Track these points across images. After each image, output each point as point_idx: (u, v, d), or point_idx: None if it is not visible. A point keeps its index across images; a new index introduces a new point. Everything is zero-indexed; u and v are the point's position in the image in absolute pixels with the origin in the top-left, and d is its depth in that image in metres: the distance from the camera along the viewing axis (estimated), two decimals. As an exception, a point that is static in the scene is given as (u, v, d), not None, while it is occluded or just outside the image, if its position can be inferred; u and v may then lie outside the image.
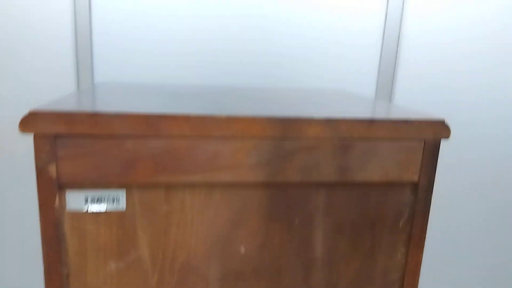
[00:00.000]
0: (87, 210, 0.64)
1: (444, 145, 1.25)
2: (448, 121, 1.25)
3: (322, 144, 0.67)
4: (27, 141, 1.06)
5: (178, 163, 0.64)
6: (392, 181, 0.70)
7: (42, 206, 0.61)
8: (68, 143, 0.61)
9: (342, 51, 1.16)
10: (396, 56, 1.17)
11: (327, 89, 1.13)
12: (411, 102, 1.21)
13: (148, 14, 1.08)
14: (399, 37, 1.16)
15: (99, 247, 0.65)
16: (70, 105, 0.65)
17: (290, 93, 1.00)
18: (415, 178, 0.70)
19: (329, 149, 0.67)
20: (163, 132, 0.62)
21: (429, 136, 0.68)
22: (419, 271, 0.75)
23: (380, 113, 0.72)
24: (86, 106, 0.65)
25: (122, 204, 0.64)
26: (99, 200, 0.64)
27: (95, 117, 0.60)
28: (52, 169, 0.61)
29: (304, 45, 1.14)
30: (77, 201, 0.63)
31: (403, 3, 1.15)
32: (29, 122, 0.59)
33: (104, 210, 0.64)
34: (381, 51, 1.17)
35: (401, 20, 1.16)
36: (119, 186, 0.64)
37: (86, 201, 0.63)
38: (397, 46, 1.16)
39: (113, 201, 0.64)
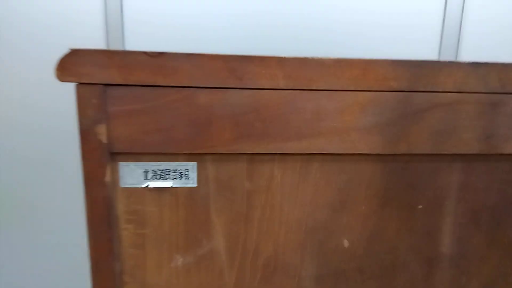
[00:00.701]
0: (147, 187, 0.48)
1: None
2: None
3: (462, 99, 0.48)
4: (69, 92, 0.89)
5: (266, 126, 0.47)
6: (553, 153, 0.51)
7: (89, 181, 0.46)
8: (123, 95, 0.44)
9: (403, 20, 0.95)
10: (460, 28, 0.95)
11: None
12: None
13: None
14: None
15: (162, 235, 0.50)
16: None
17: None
18: None
19: (472, 107, 0.49)
20: (249, 82, 0.45)
21: None
22: None
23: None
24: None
25: (192, 180, 0.48)
26: (162, 175, 0.47)
27: (159, 59, 0.43)
28: (101, 132, 0.45)
29: (366, 13, 0.94)
30: (134, 175, 0.47)
31: None
32: (70, 65, 0.42)
33: (170, 187, 0.48)
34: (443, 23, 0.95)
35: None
36: (189, 156, 0.47)
37: (146, 175, 0.47)
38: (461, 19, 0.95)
39: (181, 175, 0.48)
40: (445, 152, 0.50)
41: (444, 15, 0.97)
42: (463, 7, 0.95)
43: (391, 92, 0.47)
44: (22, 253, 0.94)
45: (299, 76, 0.46)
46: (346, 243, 0.52)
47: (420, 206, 0.52)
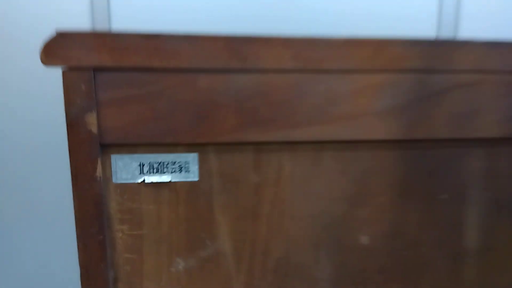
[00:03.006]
0: (143, 182, 0.43)
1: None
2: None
3: (484, 80, 0.45)
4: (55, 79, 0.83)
5: (273, 112, 0.43)
6: None
7: (77, 178, 0.41)
8: (115, 81, 0.40)
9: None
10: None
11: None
12: None
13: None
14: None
15: (160, 236, 0.45)
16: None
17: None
18: None
19: (493, 88, 0.45)
20: (253, 63, 0.41)
21: None
22: None
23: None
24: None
25: (193, 173, 0.44)
26: (160, 168, 0.43)
27: (155, 40, 0.39)
28: (91, 121, 0.40)
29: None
30: (128, 169, 0.43)
31: None
32: (56, 48, 0.38)
33: (168, 181, 0.43)
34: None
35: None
36: (189, 147, 0.43)
37: (142, 169, 0.43)
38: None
39: (181, 169, 0.43)
40: (467, 137, 0.46)
41: None
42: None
43: (406, 74, 0.44)
44: (7, 253, 0.88)
45: (308, 57, 0.42)
46: (365, 240, 0.48)
47: (444, 196, 0.48)
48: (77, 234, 0.42)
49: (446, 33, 0.93)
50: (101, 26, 0.80)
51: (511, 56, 0.45)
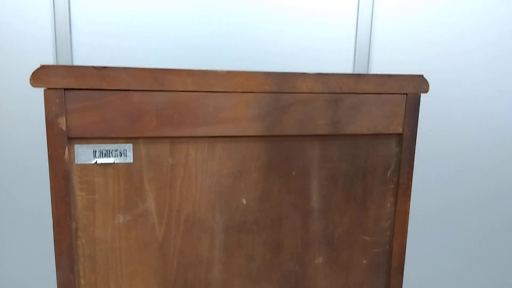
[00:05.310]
0: (96, 163, 0.66)
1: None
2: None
3: (315, 98, 0.72)
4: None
5: (181, 117, 0.67)
6: (380, 133, 0.76)
7: (52, 159, 0.64)
8: (77, 96, 0.63)
9: (319, 35, 1.23)
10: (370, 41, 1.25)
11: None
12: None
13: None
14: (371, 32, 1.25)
15: (107, 200, 0.68)
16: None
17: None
18: (400, 129, 0.77)
19: (321, 103, 0.72)
20: (167, 86, 0.66)
21: (410, 89, 0.75)
22: (408, 218, 0.80)
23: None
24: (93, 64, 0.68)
25: (129, 157, 0.67)
26: (107, 154, 0.66)
27: (103, 71, 0.63)
28: (62, 122, 0.63)
29: (285, 32, 1.21)
30: (85, 154, 0.66)
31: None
32: (40, 75, 0.61)
33: (113, 162, 0.67)
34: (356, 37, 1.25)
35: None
36: (126, 139, 0.67)
37: (94, 154, 0.66)
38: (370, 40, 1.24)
39: (121, 154, 0.67)
40: (307, 133, 0.73)
41: (356, 37, 1.24)
42: (370, 31, 1.23)
43: (266, 93, 0.70)
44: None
45: (203, 82, 0.67)
46: (244, 202, 0.73)
47: (294, 173, 0.74)
48: (51, 197, 0.64)
49: (360, 65, 1.23)
50: (64, 58, 1.03)
51: (331, 83, 0.72)
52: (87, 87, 0.63)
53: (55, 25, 1.03)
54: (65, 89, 0.63)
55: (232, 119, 0.69)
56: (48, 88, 0.62)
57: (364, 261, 0.81)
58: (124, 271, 0.70)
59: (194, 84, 0.67)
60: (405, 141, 0.77)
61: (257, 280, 0.76)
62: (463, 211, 1.43)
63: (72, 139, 0.65)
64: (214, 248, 0.73)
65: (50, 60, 1.04)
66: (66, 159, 0.64)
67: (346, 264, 0.80)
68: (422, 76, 0.75)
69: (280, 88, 0.70)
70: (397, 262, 0.82)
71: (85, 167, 0.66)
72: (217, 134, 0.69)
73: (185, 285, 0.73)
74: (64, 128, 0.63)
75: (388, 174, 0.79)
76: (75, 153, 0.65)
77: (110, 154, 0.66)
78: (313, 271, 0.79)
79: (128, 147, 0.67)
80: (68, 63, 1.09)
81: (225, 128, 0.69)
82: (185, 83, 0.66)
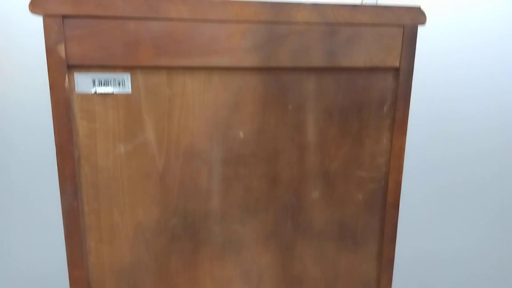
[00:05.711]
0: (95, 92, 0.68)
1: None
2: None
3: (310, 29, 0.72)
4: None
5: (177, 46, 0.68)
6: (376, 66, 0.76)
7: (53, 87, 0.65)
8: (75, 24, 0.65)
9: None
10: None
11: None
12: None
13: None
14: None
15: (108, 129, 0.70)
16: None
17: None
18: (397, 63, 0.77)
19: (317, 34, 0.73)
20: (162, 14, 0.67)
21: (407, 21, 0.75)
22: (404, 154, 0.81)
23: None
24: (89, -4, 0.68)
25: (127, 87, 0.69)
26: (106, 83, 0.68)
27: (100, -2, 0.64)
28: (61, 49, 0.65)
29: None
30: (85, 83, 0.67)
31: None
32: (38, 2, 0.62)
33: (111, 92, 0.68)
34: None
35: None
36: (124, 68, 0.68)
37: (94, 83, 0.68)
38: None
39: (119, 84, 0.68)
40: (303, 66, 0.73)
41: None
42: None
43: (261, 24, 0.70)
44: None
45: (197, 10, 0.68)
46: (241, 134, 0.75)
47: (290, 107, 0.75)
48: (53, 125, 0.66)
49: None
50: None
51: (327, 13, 0.72)
52: (84, 13, 0.64)
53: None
54: (63, 16, 0.64)
55: (227, 50, 0.70)
56: (47, 16, 0.63)
57: (360, 197, 0.83)
58: (127, 199, 0.73)
59: (188, 12, 0.67)
60: (401, 75, 0.77)
61: (255, 212, 0.79)
62: (459, 148, 1.39)
63: (72, 67, 0.66)
64: (213, 179, 0.75)
65: None
66: (66, 88, 0.66)
67: (341, 198, 0.82)
68: (419, 7, 0.75)
69: (276, 18, 0.70)
70: (393, 198, 0.83)
71: (85, 96, 0.68)
72: (213, 65, 0.70)
73: (185, 214, 0.76)
74: (63, 55, 0.65)
75: (385, 109, 0.79)
76: (75, 81, 0.67)
77: (109, 83, 0.68)
78: (309, 204, 0.81)
79: (126, 77, 0.68)
80: None
81: (221, 58, 0.70)
82: (180, 10, 0.67)
